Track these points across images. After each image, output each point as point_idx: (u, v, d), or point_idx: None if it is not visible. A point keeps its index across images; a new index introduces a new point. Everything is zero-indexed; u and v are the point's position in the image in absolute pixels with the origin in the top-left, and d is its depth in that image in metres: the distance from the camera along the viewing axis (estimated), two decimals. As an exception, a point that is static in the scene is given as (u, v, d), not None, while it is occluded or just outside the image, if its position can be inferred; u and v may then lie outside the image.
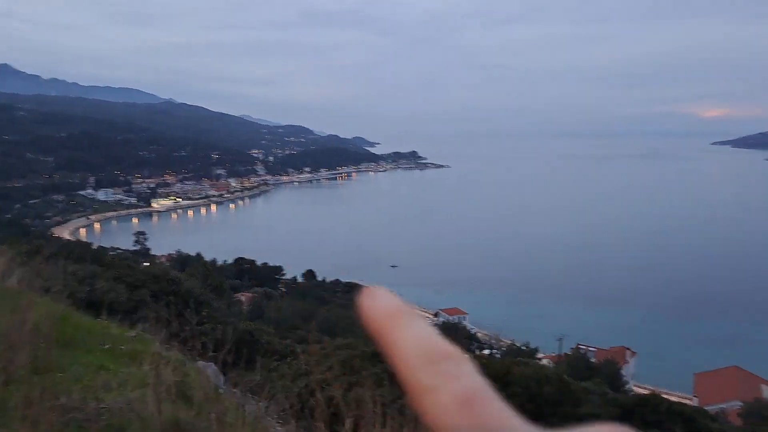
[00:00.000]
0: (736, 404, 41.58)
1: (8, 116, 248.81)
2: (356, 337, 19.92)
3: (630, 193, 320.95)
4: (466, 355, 0.69)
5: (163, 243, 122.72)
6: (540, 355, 54.73)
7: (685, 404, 32.12)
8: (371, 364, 12.84)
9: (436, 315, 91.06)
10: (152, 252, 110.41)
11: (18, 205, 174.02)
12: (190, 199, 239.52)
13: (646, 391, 38.05)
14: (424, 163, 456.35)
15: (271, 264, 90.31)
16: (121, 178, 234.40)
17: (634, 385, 51.52)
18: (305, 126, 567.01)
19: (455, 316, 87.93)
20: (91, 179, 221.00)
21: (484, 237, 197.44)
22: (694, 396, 52.62)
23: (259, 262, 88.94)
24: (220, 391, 5.97)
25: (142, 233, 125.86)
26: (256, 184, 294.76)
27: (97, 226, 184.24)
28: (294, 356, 14.79)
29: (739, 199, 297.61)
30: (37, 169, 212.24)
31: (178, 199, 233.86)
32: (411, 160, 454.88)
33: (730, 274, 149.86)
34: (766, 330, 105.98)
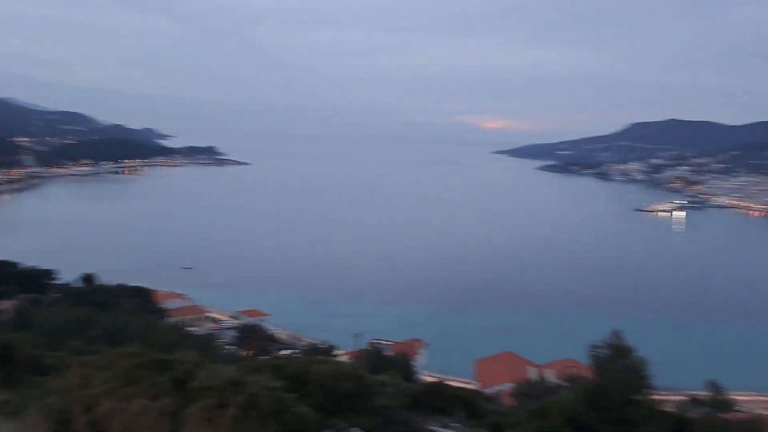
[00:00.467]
0: (509, 386, 46.35)
1: None
2: (143, 344, 18.27)
3: (421, 194, 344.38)
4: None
5: None
6: (339, 353, 55.77)
7: (467, 389, 34.86)
8: (156, 373, 11.64)
9: (235, 317, 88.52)
10: None
11: None
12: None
13: (434, 380, 40.48)
14: (223, 160, 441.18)
15: (40, 267, 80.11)
16: None
17: (425, 375, 54.80)
18: (85, 114, 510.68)
19: (256, 318, 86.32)
20: None
21: (284, 237, 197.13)
22: (475, 381, 57.54)
23: (25, 265, 78.48)
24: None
25: None
26: (23, 176, 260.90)
27: None
28: (64, 369, 12.91)
29: (519, 201, 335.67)
30: None
31: None
32: (209, 155, 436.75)
33: (505, 269, 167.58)
34: (531, 319, 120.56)
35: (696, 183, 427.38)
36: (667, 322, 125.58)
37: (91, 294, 66.57)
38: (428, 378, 47.36)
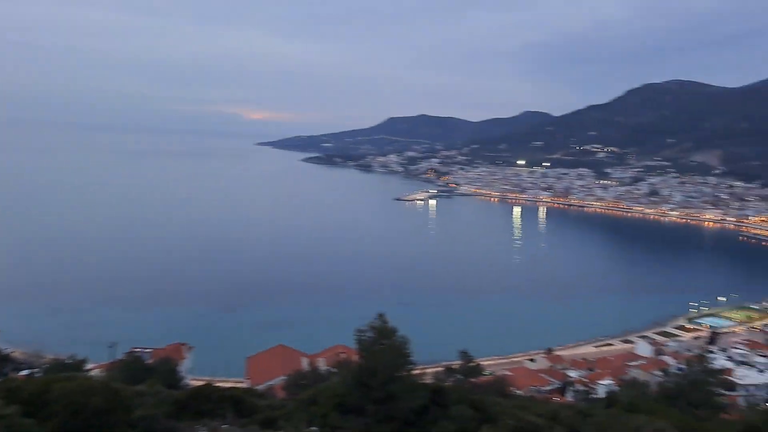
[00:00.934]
0: (282, 379, 46.05)
1: None
2: None
3: (175, 190, 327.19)
4: None
5: None
6: (90, 366, 49.96)
7: (237, 388, 33.66)
8: None
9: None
10: None
11: None
12: None
13: (202, 383, 38.43)
14: None
15: None
16: None
17: (192, 379, 51.91)
18: None
19: (-21, 337, 73.53)
20: None
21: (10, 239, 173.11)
22: (246, 378, 56.25)
23: None
24: None
25: None
26: None
27: None
28: None
29: (284, 194, 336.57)
30: None
31: None
32: None
33: (273, 263, 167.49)
34: (301, 311, 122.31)
35: (445, 173, 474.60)
36: (426, 300, 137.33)
37: None
38: (195, 382, 44.95)
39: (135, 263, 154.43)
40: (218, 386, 26.90)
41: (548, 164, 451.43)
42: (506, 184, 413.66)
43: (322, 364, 44.08)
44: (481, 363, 72.95)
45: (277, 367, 53.05)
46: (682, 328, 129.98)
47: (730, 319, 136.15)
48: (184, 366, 52.74)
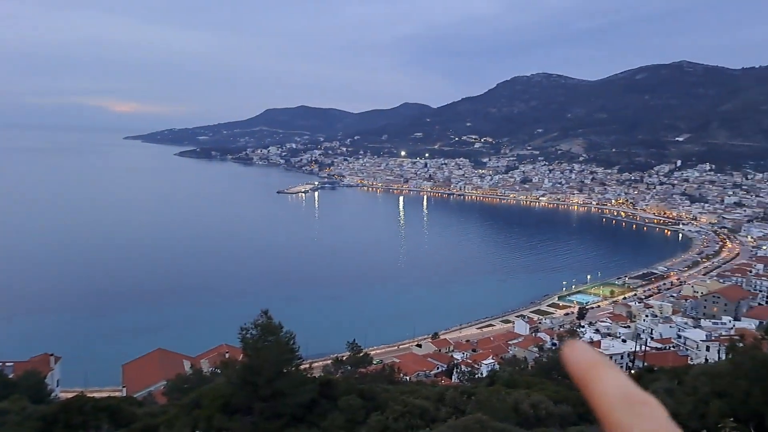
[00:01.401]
0: (162, 384, 43.93)
1: None
2: None
3: (34, 189, 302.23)
4: (660, 404, 0.98)
5: None
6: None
7: (113, 397, 31.62)
8: None
9: None
10: None
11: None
12: None
13: (73, 395, 35.80)
14: None
15: None
16: None
17: (62, 391, 48.30)
18: None
19: None
20: None
21: None
22: (123, 386, 53.12)
23: None
24: None
25: None
26: None
27: None
28: None
29: (163, 190, 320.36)
30: None
31: None
32: None
33: (140, 264, 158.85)
34: (180, 312, 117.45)
35: (328, 165, 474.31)
36: (313, 294, 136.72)
37: None
38: (66, 394, 41.77)
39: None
40: (92, 397, 25.11)
41: (428, 155, 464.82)
42: (390, 175, 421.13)
43: (206, 366, 42.56)
44: (370, 352, 74.11)
45: (157, 372, 50.62)
46: (554, 305, 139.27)
47: (596, 295, 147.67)
48: (52, 378, 48.82)
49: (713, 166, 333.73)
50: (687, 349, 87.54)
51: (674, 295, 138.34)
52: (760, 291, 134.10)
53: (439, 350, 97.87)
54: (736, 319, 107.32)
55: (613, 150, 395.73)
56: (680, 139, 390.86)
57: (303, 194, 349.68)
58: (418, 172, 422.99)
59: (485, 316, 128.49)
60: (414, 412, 17.86)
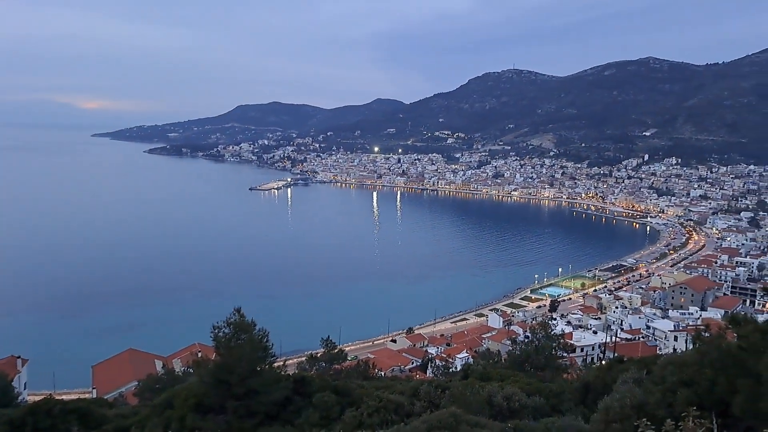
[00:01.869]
0: (133, 385, 43.29)
1: None
2: None
3: None
4: None
5: None
6: None
7: (83, 399, 31.05)
8: None
9: None
10: None
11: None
12: None
13: (41, 398, 35.06)
14: None
15: None
16: None
17: (29, 394, 47.37)
18: None
19: None
20: None
21: None
22: (93, 388, 52.22)
23: None
24: None
25: None
26: None
27: None
28: None
29: (134, 189, 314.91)
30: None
31: None
32: None
33: (110, 263, 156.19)
34: (151, 311, 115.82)
35: (301, 161, 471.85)
36: (287, 291, 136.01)
37: None
38: (34, 397, 40.93)
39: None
40: (60, 399, 24.62)
41: (402, 151, 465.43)
42: (363, 171, 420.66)
43: (178, 365, 42.06)
44: (345, 348, 74.02)
45: (128, 373, 49.89)
46: (527, 298, 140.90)
47: (567, 287, 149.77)
48: (19, 381, 47.76)
49: (679, 160, 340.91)
50: (656, 339, 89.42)
51: (643, 286, 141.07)
52: (725, 281, 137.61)
53: (414, 345, 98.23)
54: (703, 309, 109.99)
55: (583, 145, 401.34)
56: (647, 134, 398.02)
57: (276, 191, 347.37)
58: (392, 168, 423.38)
59: (459, 311, 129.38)
60: (389, 407, 17.90)
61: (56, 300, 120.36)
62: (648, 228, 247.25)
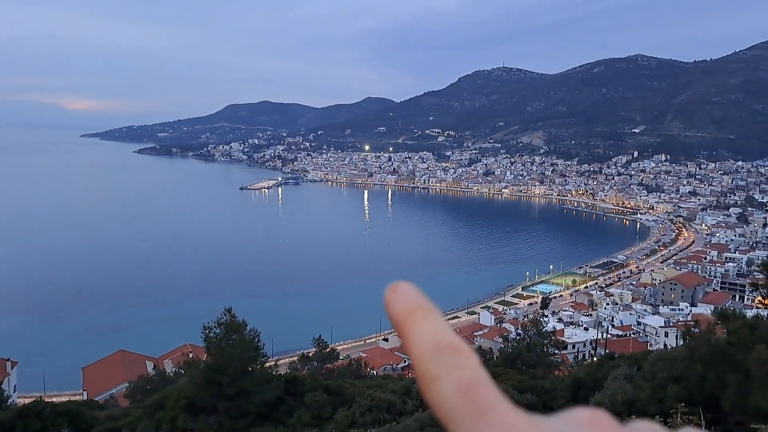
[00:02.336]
0: (124, 386, 43.08)
1: None
2: None
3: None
4: (472, 350, 0.84)
5: None
6: None
7: (74, 401, 30.85)
8: None
9: None
10: None
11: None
12: None
13: (30, 400, 34.83)
14: None
15: None
16: None
17: (19, 397, 47.01)
18: None
19: None
20: None
21: None
22: (83, 390, 51.93)
23: None
24: None
25: None
26: None
27: None
28: None
29: (124, 188, 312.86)
30: None
31: None
32: None
33: (100, 263, 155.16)
34: (142, 312, 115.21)
35: (291, 160, 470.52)
36: (279, 290, 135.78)
37: None
38: (24, 400, 40.64)
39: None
40: (50, 402, 24.48)
41: (392, 149, 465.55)
42: (354, 170, 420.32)
43: (169, 366, 41.89)
44: (336, 348, 74.02)
45: (118, 374, 49.63)
46: (518, 296, 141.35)
47: (558, 284, 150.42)
48: (9, 384, 47.39)
49: (668, 156, 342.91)
50: (647, 336, 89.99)
51: (633, 283, 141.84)
52: (715, 277, 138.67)
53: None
54: (693, 305, 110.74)
55: (573, 142, 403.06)
56: (636, 130, 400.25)
57: (266, 190, 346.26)
58: (383, 166, 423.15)
59: (451, 309, 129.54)
60: (381, 406, 17.89)
61: (45, 301, 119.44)
62: (638, 224, 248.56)
